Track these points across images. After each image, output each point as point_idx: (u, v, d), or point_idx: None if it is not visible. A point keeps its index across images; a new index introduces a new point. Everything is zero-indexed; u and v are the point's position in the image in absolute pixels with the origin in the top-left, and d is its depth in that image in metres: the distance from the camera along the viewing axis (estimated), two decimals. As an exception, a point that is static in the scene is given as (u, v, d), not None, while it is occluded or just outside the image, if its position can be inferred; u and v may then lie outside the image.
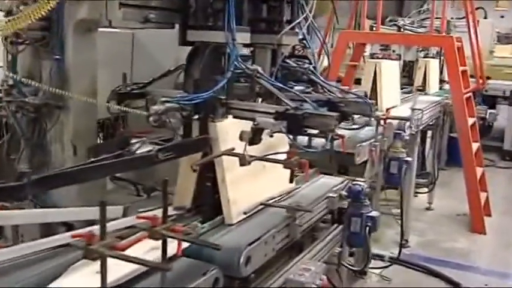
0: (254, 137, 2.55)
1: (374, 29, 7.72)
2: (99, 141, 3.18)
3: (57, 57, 2.79)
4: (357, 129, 3.50)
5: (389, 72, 6.35)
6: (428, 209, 7.67)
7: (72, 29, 2.79)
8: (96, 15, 2.64)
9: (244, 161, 2.53)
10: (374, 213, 3.55)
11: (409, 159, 4.49)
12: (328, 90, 3.16)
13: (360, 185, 3.51)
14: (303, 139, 3.46)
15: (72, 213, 2.63)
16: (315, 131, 2.63)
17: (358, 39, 7.44)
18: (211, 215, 2.77)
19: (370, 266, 5.17)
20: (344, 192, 3.47)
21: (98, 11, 2.62)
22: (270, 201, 2.97)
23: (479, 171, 7.15)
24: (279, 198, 3.08)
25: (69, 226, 2.65)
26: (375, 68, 6.07)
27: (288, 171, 2.63)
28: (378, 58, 8.34)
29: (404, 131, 5.27)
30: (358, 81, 8.84)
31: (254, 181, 2.90)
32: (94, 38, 2.96)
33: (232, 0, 2.60)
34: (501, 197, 8.47)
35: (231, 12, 2.60)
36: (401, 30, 8.95)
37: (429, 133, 8.13)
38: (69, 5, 2.72)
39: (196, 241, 2.10)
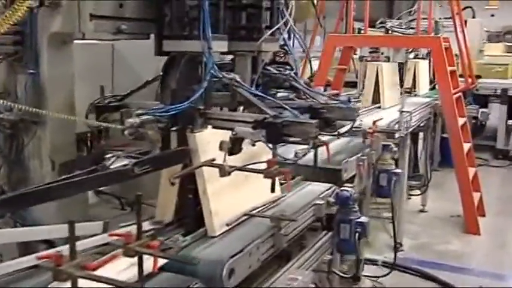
0: (233, 146, 2.50)
1: (362, 31, 7.72)
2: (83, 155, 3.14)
3: (32, 71, 2.76)
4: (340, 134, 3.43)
5: (390, 73, 6.92)
6: (421, 211, 7.65)
7: (46, 42, 2.76)
8: (69, 28, 2.60)
9: (223, 171, 2.49)
10: (363, 219, 3.51)
11: (398, 171, 4.46)
12: (311, 96, 3.11)
13: (347, 190, 3.48)
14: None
15: (53, 230, 2.58)
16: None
17: (345, 42, 7.42)
18: (193, 228, 2.72)
19: (365, 272, 5.20)
20: (331, 199, 3.43)
21: (71, 23, 2.57)
22: (254, 211, 2.92)
23: (471, 171, 7.12)
24: (263, 207, 3.03)
25: (50, 243, 2.60)
26: (377, 70, 6.59)
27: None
28: (366, 61, 8.36)
29: (394, 136, 5.28)
30: (348, 84, 8.87)
31: (237, 191, 2.85)
32: (70, 51, 2.93)
33: (206, 9, 2.56)
34: (495, 196, 8.46)
35: (206, 20, 2.56)
36: (389, 32, 8.95)
37: (421, 135, 8.12)
38: (42, 17, 2.68)
39: (171, 257, 2.04)
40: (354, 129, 4.17)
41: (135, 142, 2.86)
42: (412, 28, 8.95)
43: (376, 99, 6.80)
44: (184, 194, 2.75)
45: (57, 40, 2.78)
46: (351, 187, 3.58)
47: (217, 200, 2.71)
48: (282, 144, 2.79)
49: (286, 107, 2.55)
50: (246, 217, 2.86)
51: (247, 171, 2.52)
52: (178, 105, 2.47)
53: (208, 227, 2.69)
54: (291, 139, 2.56)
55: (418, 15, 7.04)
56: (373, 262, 5.67)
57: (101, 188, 3.33)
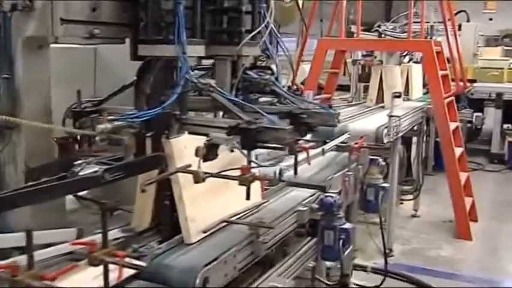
0: (208, 153, 2.47)
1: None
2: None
3: (6, 76, 2.72)
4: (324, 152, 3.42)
5: (393, 75, 7.38)
6: (414, 216, 7.62)
7: (20, 46, 2.72)
8: (43, 31, 2.56)
9: (198, 178, 2.46)
10: (348, 226, 3.48)
11: (385, 185, 4.42)
12: (292, 102, 3.07)
13: (332, 197, 3.44)
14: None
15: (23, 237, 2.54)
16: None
17: (336, 46, 7.39)
18: (170, 235, 2.68)
19: (355, 278, 5.16)
20: (315, 205, 3.39)
21: (44, 27, 2.54)
22: (233, 218, 2.88)
23: (463, 176, 7.09)
24: (243, 214, 3.00)
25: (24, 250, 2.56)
26: (381, 73, 7.24)
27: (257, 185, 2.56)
28: (359, 64, 8.34)
29: (382, 140, 5.25)
30: (340, 88, 8.85)
31: (215, 198, 2.82)
32: (46, 55, 2.89)
33: (181, 13, 2.53)
34: (488, 201, 8.45)
35: (180, 25, 2.53)
36: (382, 35, 8.93)
37: (414, 139, 8.08)
38: (16, 21, 2.65)
39: (132, 266, 2.00)
40: (340, 144, 4.21)
41: (113, 148, 2.83)
42: (405, 32, 8.96)
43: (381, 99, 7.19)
44: (160, 200, 2.72)
45: (32, 44, 2.74)
46: (335, 193, 3.55)
47: (193, 207, 2.67)
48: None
49: (262, 112, 2.52)
50: (224, 224, 2.83)
51: (221, 177, 2.49)
52: (151, 111, 2.44)
53: (184, 234, 2.65)
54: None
55: (409, 19, 7.00)
56: (363, 268, 5.64)
57: (82, 194, 3.30)
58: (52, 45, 2.88)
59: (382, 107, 6.92)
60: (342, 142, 4.16)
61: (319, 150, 4.09)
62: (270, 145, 2.51)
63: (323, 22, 9.19)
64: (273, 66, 3.28)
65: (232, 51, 3.03)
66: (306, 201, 3.39)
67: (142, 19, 2.66)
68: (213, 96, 2.58)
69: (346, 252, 3.94)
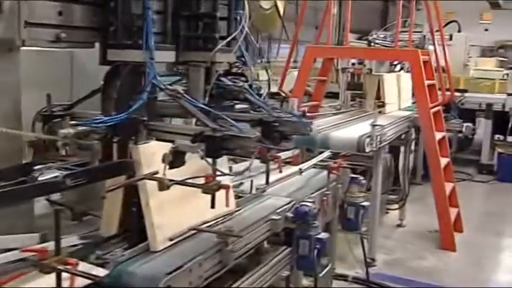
0: (175, 160, 2.45)
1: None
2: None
3: (-25, 79, 2.70)
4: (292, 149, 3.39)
5: (390, 83, 7.67)
6: (399, 226, 7.59)
7: (-11, 49, 2.69)
8: (10, 34, 2.54)
9: (163, 185, 2.44)
10: (323, 235, 3.46)
11: (366, 204, 4.41)
12: (265, 109, 3.05)
13: (307, 206, 3.42)
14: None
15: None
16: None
17: (324, 54, 7.38)
18: (137, 241, 2.66)
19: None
20: (290, 214, 3.37)
21: (12, 30, 2.52)
22: (203, 226, 2.86)
23: (449, 186, 7.07)
24: (214, 222, 2.98)
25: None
26: (378, 81, 7.46)
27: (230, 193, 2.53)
28: (349, 72, 8.35)
29: (364, 149, 5.23)
30: (328, 95, 8.84)
31: (184, 205, 2.80)
32: (16, 58, 2.87)
33: (149, 18, 2.52)
34: (475, 212, 8.44)
35: (149, 30, 2.52)
36: (372, 44, 8.93)
37: (402, 148, 8.08)
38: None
39: (86, 275, 1.98)
40: (319, 163, 4.19)
41: (82, 153, 2.80)
42: (400, 41, 8.97)
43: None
44: (128, 206, 2.70)
45: (1, 47, 2.72)
46: (311, 202, 3.53)
47: (160, 214, 2.65)
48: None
49: (229, 119, 2.49)
50: (192, 232, 2.81)
51: (186, 185, 2.47)
52: (116, 116, 2.42)
53: (150, 241, 2.64)
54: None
55: (396, 29, 7.00)
56: (343, 277, 5.62)
57: (54, 198, 3.28)
58: (28, 49, 2.86)
59: (379, 112, 6.98)
60: (322, 160, 4.15)
61: (296, 169, 4.09)
62: (235, 153, 2.48)
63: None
64: (248, 73, 3.27)
65: (206, 58, 3.01)
66: (280, 209, 3.36)
67: (112, 24, 2.64)
68: (180, 102, 2.55)
69: (325, 271, 3.96)
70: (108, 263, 2.43)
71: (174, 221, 2.74)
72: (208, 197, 2.55)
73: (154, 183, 2.53)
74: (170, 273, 2.35)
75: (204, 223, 2.89)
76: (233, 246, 2.75)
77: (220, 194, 2.53)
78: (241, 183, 3.76)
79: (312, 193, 3.86)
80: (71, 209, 3.42)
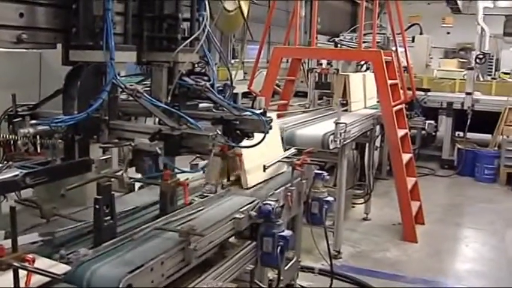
0: (134, 158, 2.40)
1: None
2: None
3: None
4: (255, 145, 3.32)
5: (356, 82, 7.63)
6: (365, 219, 7.60)
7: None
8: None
9: (122, 183, 2.38)
10: (286, 233, 3.43)
11: (330, 199, 4.39)
12: (226, 108, 3.01)
13: (270, 204, 3.38)
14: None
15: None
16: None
17: (291, 54, 7.37)
18: (101, 241, 2.59)
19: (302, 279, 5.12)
20: (253, 213, 3.33)
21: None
22: (165, 225, 2.80)
23: (411, 181, 7.11)
24: (176, 220, 2.90)
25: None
26: (344, 80, 7.42)
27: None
28: (316, 72, 8.35)
29: (328, 146, 5.22)
30: (298, 95, 8.86)
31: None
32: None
33: (110, 19, 2.45)
34: (436, 205, 8.51)
35: (109, 30, 2.46)
36: (339, 45, 8.96)
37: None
38: None
39: (40, 272, 1.91)
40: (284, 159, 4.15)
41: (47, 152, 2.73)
42: (365, 42, 9.01)
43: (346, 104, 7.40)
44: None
45: (-36, 48, 2.64)
46: (274, 200, 3.49)
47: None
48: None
49: (187, 117, 2.45)
50: (156, 231, 2.74)
51: (144, 183, 2.42)
52: (76, 115, 2.36)
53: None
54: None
55: (360, 31, 7.01)
56: (310, 270, 5.61)
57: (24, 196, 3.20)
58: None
59: (346, 110, 7.05)
60: (286, 157, 4.11)
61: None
62: (194, 151, 2.43)
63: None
64: (211, 73, 3.22)
65: (168, 58, 2.96)
66: (244, 208, 3.31)
67: (73, 25, 2.58)
68: (139, 101, 2.50)
69: (291, 264, 3.92)
70: (71, 263, 2.36)
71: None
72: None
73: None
74: (131, 272, 2.29)
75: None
76: (196, 244, 2.70)
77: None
78: (207, 183, 3.70)
79: (277, 189, 3.83)
80: (38, 206, 3.36)
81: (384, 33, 10.33)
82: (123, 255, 2.51)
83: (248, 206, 3.34)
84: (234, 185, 3.63)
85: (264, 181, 3.84)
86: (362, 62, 9.59)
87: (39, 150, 2.74)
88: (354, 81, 7.69)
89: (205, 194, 3.47)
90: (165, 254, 2.51)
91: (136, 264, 2.36)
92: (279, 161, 4.02)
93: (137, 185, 3.20)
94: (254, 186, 3.46)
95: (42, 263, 2.02)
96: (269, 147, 4.34)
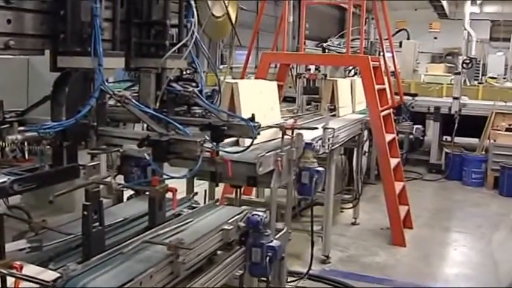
0: (123, 164, 2.41)
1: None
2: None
3: None
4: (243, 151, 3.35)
5: (344, 87, 7.52)
6: (353, 224, 7.63)
7: None
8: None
9: (111, 190, 2.38)
10: (275, 243, 3.42)
11: (320, 169, 4.38)
12: (214, 114, 3.03)
13: (258, 215, 3.38)
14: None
15: None
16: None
17: (279, 60, 7.40)
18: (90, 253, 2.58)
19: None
20: (242, 223, 3.33)
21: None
22: (155, 239, 2.78)
23: (399, 185, 7.15)
24: (164, 233, 2.89)
25: None
26: (332, 85, 7.25)
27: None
28: (304, 78, 8.38)
29: (317, 151, 5.23)
30: (286, 100, 8.86)
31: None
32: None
33: (98, 26, 2.46)
34: (424, 209, 8.57)
35: (97, 37, 2.47)
36: (326, 51, 9.01)
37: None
38: None
39: (28, 279, 1.91)
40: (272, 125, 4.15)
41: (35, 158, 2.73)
42: (353, 47, 9.06)
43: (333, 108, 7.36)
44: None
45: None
46: (263, 211, 3.50)
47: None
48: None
49: (175, 123, 2.46)
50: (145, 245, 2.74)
51: (133, 190, 2.42)
52: (64, 122, 2.36)
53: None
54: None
55: (347, 36, 7.05)
56: (298, 275, 5.61)
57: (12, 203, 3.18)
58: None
59: (334, 115, 7.10)
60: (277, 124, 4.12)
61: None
62: (182, 156, 2.44)
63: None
64: (199, 79, 3.23)
65: (156, 64, 2.98)
66: (232, 219, 3.31)
67: (62, 31, 2.58)
68: (127, 108, 2.51)
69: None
70: (60, 277, 2.35)
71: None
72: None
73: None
74: (120, 287, 2.29)
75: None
76: (184, 257, 2.69)
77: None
78: (196, 193, 3.72)
79: (268, 152, 3.81)
80: (26, 213, 3.35)
81: (366, 38, 10.41)
82: (113, 270, 2.50)
83: (237, 216, 3.35)
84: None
85: (261, 143, 3.86)
86: (350, 67, 9.66)
87: (27, 156, 2.75)
88: (342, 86, 7.70)
89: (193, 206, 3.49)
90: (154, 268, 2.50)
91: (125, 278, 2.36)
92: (270, 127, 4.03)
93: (126, 192, 3.21)
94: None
95: (30, 270, 2.02)
96: (273, 111, 4.37)
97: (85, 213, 2.60)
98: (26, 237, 2.45)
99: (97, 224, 2.45)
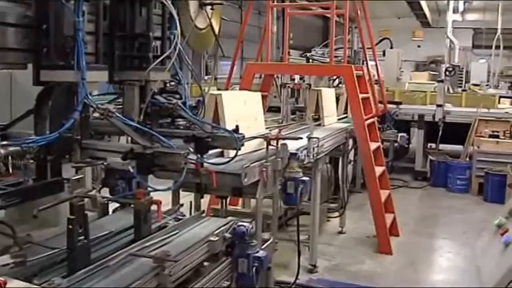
0: (107, 177, 2.41)
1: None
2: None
3: None
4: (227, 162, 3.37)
5: (328, 97, 7.53)
6: (340, 232, 7.65)
7: None
8: None
9: (95, 203, 2.39)
10: (261, 254, 3.43)
11: (305, 178, 4.41)
12: (198, 126, 3.05)
13: (244, 226, 3.39)
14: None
15: None
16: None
17: (263, 70, 7.44)
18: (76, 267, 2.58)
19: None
20: (228, 234, 3.34)
21: None
22: (140, 252, 2.78)
23: (384, 193, 7.19)
24: (150, 245, 2.89)
25: None
26: (317, 95, 7.29)
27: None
28: (289, 88, 8.43)
29: (302, 161, 5.26)
30: (270, 110, 8.90)
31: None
32: None
33: (80, 39, 2.47)
34: (410, 216, 8.61)
35: (80, 50, 2.48)
36: (310, 60, 9.07)
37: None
38: None
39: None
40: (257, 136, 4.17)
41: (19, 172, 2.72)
42: (336, 56, 9.13)
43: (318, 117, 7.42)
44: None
45: None
46: (248, 222, 3.51)
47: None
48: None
49: (159, 136, 2.47)
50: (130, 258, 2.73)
51: (118, 202, 2.43)
52: (48, 136, 2.37)
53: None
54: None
55: (331, 45, 7.11)
56: (286, 284, 5.62)
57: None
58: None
59: (319, 124, 7.15)
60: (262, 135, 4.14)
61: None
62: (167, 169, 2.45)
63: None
64: (183, 90, 3.25)
65: (140, 76, 2.99)
66: (218, 230, 3.32)
67: (44, 45, 2.59)
68: (111, 121, 2.51)
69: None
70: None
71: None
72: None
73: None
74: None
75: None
76: (170, 269, 2.70)
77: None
78: (182, 205, 3.72)
79: (253, 162, 3.82)
80: (11, 227, 3.33)
81: (350, 48, 10.49)
82: (98, 283, 2.49)
83: (223, 227, 3.36)
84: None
85: (246, 153, 3.88)
86: (334, 77, 9.72)
87: (11, 171, 2.74)
88: (327, 95, 7.75)
89: (179, 217, 3.49)
90: (140, 281, 2.51)
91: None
92: (255, 137, 4.06)
93: (111, 205, 3.21)
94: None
95: (14, 285, 2.01)
96: (257, 122, 4.40)
97: (70, 227, 2.61)
98: (10, 252, 2.42)
99: (82, 237, 2.46)
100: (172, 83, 3.29)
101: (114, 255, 2.62)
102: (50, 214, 2.75)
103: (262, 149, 4.18)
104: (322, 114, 7.17)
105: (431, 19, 22.34)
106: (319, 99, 7.57)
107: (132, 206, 2.75)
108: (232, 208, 5.26)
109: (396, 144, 11.10)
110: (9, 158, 2.47)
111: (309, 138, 5.29)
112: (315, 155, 5.43)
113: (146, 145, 2.36)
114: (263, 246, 3.70)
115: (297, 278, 4.97)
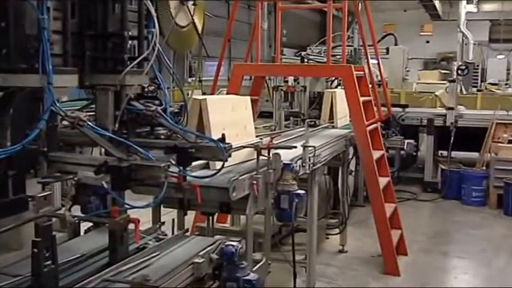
0: (78, 193, 2.42)
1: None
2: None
3: None
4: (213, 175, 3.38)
5: (342, 98, 7.41)
6: (341, 251, 7.66)
7: None
8: None
9: (65, 223, 2.39)
10: (252, 276, 3.43)
11: (300, 192, 4.42)
12: (180, 135, 3.06)
13: (233, 245, 3.40)
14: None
15: None
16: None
17: (252, 72, 7.45)
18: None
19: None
20: (215, 256, 3.34)
21: None
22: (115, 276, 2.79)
23: (390, 207, 7.20)
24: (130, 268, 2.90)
25: None
26: (331, 96, 7.68)
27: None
28: (282, 91, 8.48)
29: (297, 172, 5.27)
30: (262, 114, 8.93)
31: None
32: None
33: (46, 39, 2.48)
34: (420, 233, 8.63)
35: (46, 52, 2.48)
36: (305, 60, 9.11)
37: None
38: None
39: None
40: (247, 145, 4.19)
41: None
42: (334, 55, 9.18)
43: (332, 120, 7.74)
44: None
45: None
46: (237, 241, 3.51)
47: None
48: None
49: (136, 147, 2.48)
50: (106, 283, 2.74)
51: (90, 221, 2.43)
52: (10, 148, 2.37)
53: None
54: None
55: (327, 43, 7.14)
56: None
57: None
58: None
59: (333, 126, 7.49)
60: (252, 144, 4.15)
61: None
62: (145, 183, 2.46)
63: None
64: (163, 96, 3.26)
65: (114, 80, 2.99)
66: (204, 251, 3.31)
67: (4, 46, 2.59)
68: (81, 130, 2.52)
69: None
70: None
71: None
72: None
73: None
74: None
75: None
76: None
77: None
78: (163, 223, 3.73)
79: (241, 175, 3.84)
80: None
81: (349, 45, 10.57)
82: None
83: (209, 247, 3.36)
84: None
85: (234, 164, 3.93)
86: (333, 78, 9.75)
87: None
88: (339, 97, 7.71)
89: (160, 237, 3.49)
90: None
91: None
92: (243, 147, 4.07)
93: (83, 225, 3.21)
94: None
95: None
96: (246, 129, 4.46)
97: (35, 250, 2.61)
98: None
99: (49, 262, 2.47)
100: (151, 88, 3.31)
101: (86, 281, 2.62)
102: (11, 237, 2.76)
103: (252, 159, 4.21)
104: (336, 116, 7.23)
105: (442, 11, 22.32)
106: (333, 102, 7.64)
107: (106, 225, 2.76)
108: (220, 226, 5.26)
109: (403, 152, 11.15)
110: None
111: (304, 146, 5.30)
112: (311, 166, 5.45)
113: (122, 157, 2.37)
114: (254, 268, 3.72)
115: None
